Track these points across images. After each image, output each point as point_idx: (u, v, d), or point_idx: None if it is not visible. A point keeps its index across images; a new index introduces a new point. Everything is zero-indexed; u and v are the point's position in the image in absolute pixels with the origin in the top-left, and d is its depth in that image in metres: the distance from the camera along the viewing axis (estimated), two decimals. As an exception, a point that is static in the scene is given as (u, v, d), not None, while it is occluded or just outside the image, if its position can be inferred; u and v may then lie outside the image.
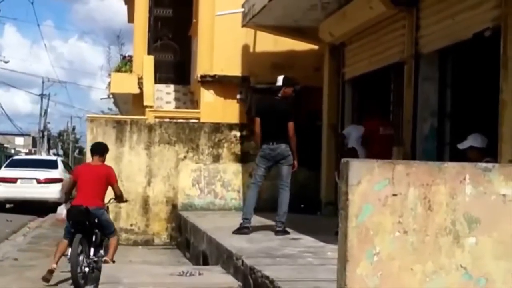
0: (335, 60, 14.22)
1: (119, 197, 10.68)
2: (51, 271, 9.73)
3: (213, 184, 15.01)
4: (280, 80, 10.67)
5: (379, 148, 10.51)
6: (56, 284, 9.86)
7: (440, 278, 3.69)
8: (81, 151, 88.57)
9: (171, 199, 14.81)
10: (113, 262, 10.07)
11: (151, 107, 19.27)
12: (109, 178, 10.36)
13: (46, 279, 9.71)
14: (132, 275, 8.27)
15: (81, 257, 9.83)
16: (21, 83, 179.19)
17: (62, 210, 10.51)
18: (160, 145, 14.90)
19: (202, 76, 17.76)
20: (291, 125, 10.22)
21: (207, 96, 17.86)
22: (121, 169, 14.65)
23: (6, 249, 14.04)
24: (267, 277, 6.49)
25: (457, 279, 3.71)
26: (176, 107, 20.63)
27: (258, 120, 10.51)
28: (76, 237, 9.77)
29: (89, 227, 10.03)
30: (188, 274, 8.18)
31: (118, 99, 25.98)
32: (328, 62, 14.41)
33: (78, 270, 9.66)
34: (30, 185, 22.67)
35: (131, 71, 22.28)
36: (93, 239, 10.16)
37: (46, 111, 78.35)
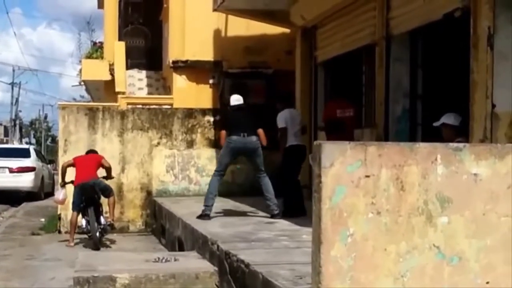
0: (307, 43, 14.22)
1: (108, 172, 12.82)
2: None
3: (187, 170, 14.98)
4: (236, 99, 10.96)
5: (338, 132, 10.55)
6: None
7: (414, 258, 3.72)
8: (54, 139, 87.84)
9: (146, 186, 14.76)
10: (113, 220, 12.59)
11: (123, 93, 19.18)
12: (100, 160, 12.76)
13: None
14: (108, 262, 8.26)
15: (96, 225, 12.04)
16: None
17: (60, 193, 12.73)
18: (133, 132, 14.82)
19: (174, 62, 17.70)
20: (261, 132, 10.56)
21: (179, 81, 17.81)
22: (95, 156, 14.58)
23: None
24: (243, 261, 6.51)
25: (431, 258, 3.74)
26: (149, 93, 20.57)
27: (224, 133, 10.71)
28: (90, 210, 12.14)
29: (96, 199, 12.38)
30: (163, 260, 8.19)
31: (90, 86, 25.81)
32: (300, 45, 14.40)
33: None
34: (2, 175, 22.44)
35: (102, 58, 22.17)
36: (100, 209, 12.45)
37: (17, 99, 77.63)
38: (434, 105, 9.91)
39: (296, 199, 10.74)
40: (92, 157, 12.86)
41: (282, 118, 10.90)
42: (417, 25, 9.86)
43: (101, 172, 12.79)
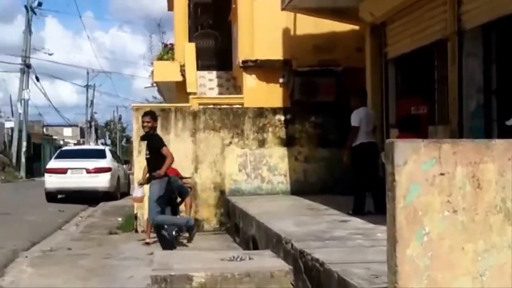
0: (376, 40, 14.08)
1: None
2: (147, 243, 11.96)
3: (259, 169, 15.02)
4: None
5: (413, 129, 10.35)
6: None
7: (492, 257, 3.65)
8: (128, 140, 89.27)
9: (219, 185, 14.86)
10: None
11: (194, 94, 19.34)
12: None
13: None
14: (183, 261, 8.34)
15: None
16: (66, 75, 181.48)
17: (138, 191, 12.27)
18: (205, 132, 14.94)
19: (243, 61, 17.77)
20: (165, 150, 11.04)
21: (249, 81, 17.87)
22: (168, 156, 14.77)
23: (59, 239, 14.26)
24: (317, 260, 6.49)
25: (510, 257, 3.66)
26: (219, 93, 20.68)
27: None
28: (167, 209, 11.96)
29: (173, 198, 12.49)
30: (238, 259, 8.21)
31: (162, 87, 26.11)
32: (370, 42, 14.27)
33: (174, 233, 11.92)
34: (80, 175, 22.97)
35: (173, 59, 22.38)
36: (177, 209, 12.65)
37: (92, 101, 79.35)
38: (510, 100, 9.66)
39: (380, 195, 10.61)
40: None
41: (357, 117, 10.73)
42: (490, 19, 9.65)
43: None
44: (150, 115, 11.29)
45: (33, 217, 18.19)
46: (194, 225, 11.75)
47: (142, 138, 11.72)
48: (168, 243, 11.06)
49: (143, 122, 11.20)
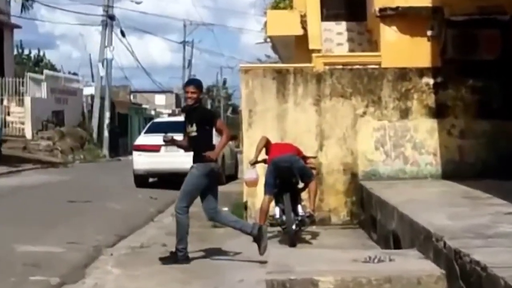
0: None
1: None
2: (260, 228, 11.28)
3: (401, 146, 14.93)
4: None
5: None
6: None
7: None
8: (235, 110, 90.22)
9: (350, 167, 14.87)
10: (313, 210, 12.68)
11: (318, 51, 19.32)
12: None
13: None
14: (306, 261, 8.41)
15: (292, 215, 12.30)
16: (158, 29, 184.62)
17: (252, 171, 12.95)
18: (332, 99, 14.96)
19: (381, 10, 17.60)
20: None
21: (389, 34, 17.70)
22: (286, 130, 14.91)
23: (152, 233, 14.65)
24: (478, 263, 6.43)
25: None
26: (350, 50, 20.58)
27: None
28: (286, 196, 12.40)
29: (294, 183, 12.77)
30: (376, 260, 8.21)
31: (277, 43, 26.22)
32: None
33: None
34: (176, 154, 23.16)
35: (291, 7, 22.42)
36: (298, 196, 12.73)
37: (190, 61, 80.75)
38: None
39: None
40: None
41: None
42: None
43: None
44: (195, 84, 11.53)
45: (119, 205, 18.77)
46: (261, 234, 11.04)
47: (185, 110, 11.85)
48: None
49: (186, 92, 11.42)
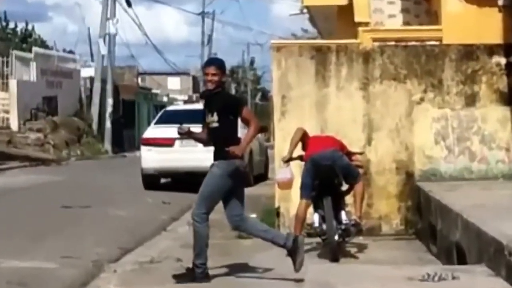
0: None
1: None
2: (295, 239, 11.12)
3: (467, 140, 14.91)
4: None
5: None
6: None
7: None
8: (265, 96, 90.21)
9: (404, 165, 14.87)
10: (359, 217, 12.73)
11: (366, 24, 19.32)
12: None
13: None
14: (351, 279, 8.46)
15: (334, 223, 12.36)
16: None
17: (286, 171, 12.93)
18: (382, 83, 14.97)
19: (442, -27, 17.59)
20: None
21: (452, 4, 17.66)
22: (326, 119, 14.93)
23: (164, 245, 14.74)
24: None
25: None
26: (405, 23, 20.57)
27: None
28: (326, 201, 12.44)
29: (336, 185, 12.87)
30: (436, 278, 8.23)
31: (316, 15, 26.21)
32: None
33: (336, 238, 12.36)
34: (193, 149, 23.26)
35: (333, -29, 22.38)
36: (342, 200, 12.83)
37: (210, 37, 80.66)
38: None
39: None
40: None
41: None
42: None
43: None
44: (216, 64, 11.46)
45: (124, 212, 18.86)
46: (296, 246, 10.93)
47: (204, 96, 11.83)
48: None
49: (206, 75, 11.35)
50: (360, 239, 13.53)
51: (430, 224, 13.12)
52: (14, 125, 42.13)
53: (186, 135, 11.83)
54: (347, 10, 20.71)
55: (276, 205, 14.93)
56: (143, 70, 76.96)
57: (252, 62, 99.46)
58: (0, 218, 17.36)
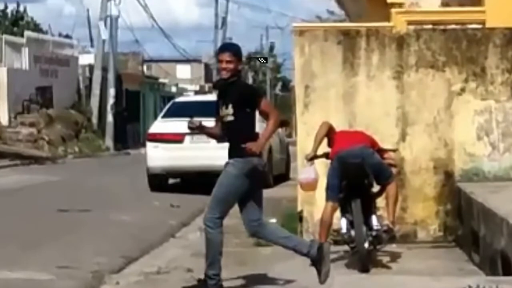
0: None
1: None
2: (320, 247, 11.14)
3: (513, 136, 14.93)
4: None
5: None
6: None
7: None
8: (286, 86, 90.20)
9: (443, 163, 14.86)
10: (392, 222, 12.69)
11: (400, 5, 19.36)
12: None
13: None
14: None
15: (364, 229, 12.40)
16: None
17: (310, 170, 12.94)
18: (418, 71, 14.97)
19: None
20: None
21: (497, -18, 17.68)
22: (355, 112, 14.92)
23: (173, 253, 14.80)
24: None
25: None
26: (443, 4, 20.59)
27: None
28: (355, 204, 12.45)
29: (366, 185, 12.90)
30: (479, 291, 8.28)
31: (343, -5, 26.31)
32: None
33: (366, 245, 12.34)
34: (205, 146, 23.28)
35: None
36: (372, 203, 12.87)
37: (224, 20, 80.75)
38: None
39: None
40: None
41: None
42: None
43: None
44: (231, 50, 11.41)
45: (128, 216, 18.94)
46: (321, 255, 10.96)
47: (218, 86, 11.81)
48: None
49: (220, 62, 11.33)
50: (393, 247, 13.54)
51: (472, 230, 13.13)
52: (4, 118, 42.12)
53: (197, 129, 11.73)
54: (378, -10, 20.76)
55: (299, 208, 14.96)
56: (148, 57, 77.17)
57: (271, 48, 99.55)
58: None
